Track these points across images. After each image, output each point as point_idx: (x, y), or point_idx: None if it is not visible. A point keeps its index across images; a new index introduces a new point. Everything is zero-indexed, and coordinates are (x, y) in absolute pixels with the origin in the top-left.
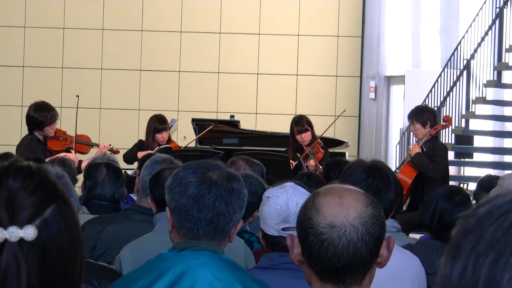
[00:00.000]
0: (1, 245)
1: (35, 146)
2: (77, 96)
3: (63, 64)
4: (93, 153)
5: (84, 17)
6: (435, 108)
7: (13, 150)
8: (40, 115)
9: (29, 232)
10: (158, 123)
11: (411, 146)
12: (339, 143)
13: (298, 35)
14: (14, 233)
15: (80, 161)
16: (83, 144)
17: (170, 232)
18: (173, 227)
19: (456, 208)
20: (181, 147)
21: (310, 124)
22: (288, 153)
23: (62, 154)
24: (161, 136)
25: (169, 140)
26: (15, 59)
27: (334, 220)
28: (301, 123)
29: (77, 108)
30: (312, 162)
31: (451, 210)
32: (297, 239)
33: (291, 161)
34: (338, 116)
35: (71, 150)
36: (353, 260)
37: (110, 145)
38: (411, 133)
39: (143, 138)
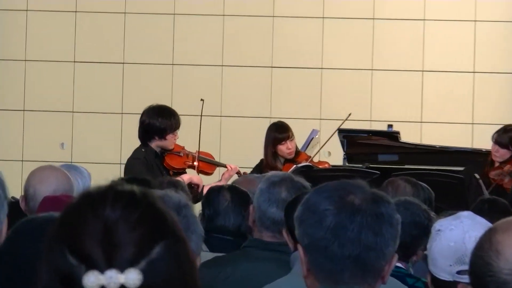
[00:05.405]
0: None
1: (152, 161)
2: (202, 100)
3: (173, 60)
4: (216, 176)
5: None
6: None
7: (114, 168)
8: (162, 120)
9: (131, 278)
10: (277, 132)
11: None
12: None
13: (475, 20)
14: (112, 278)
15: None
16: (207, 163)
17: (305, 278)
18: (308, 271)
19: None
20: (310, 157)
21: None
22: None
23: (186, 177)
24: (286, 148)
25: (297, 153)
26: (115, 55)
27: None
28: (504, 133)
29: (201, 116)
30: None
31: None
32: None
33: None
34: None
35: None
36: None
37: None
38: None
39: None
